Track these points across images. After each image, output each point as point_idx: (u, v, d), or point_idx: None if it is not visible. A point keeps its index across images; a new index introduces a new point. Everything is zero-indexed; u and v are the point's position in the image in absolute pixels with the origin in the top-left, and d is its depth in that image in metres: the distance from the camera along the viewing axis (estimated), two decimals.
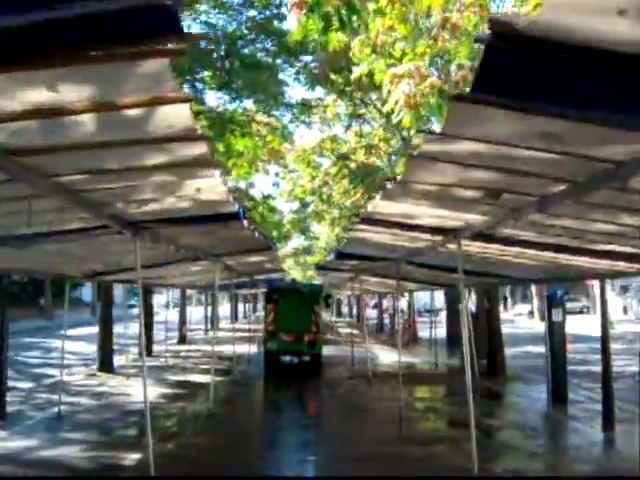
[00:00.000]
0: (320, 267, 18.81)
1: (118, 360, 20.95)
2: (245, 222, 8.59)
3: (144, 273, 13.29)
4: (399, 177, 5.44)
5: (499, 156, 4.34)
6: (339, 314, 62.27)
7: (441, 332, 27.95)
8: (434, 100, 8.80)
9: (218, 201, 6.39)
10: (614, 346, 25.75)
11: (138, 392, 15.40)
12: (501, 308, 46.76)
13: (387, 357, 23.83)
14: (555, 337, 14.40)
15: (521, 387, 16.97)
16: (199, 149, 4.38)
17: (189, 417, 12.65)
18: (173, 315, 49.82)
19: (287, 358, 21.93)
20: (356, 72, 10.84)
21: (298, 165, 23.20)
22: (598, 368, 20.26)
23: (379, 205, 6.79)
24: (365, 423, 12.30)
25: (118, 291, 63.13)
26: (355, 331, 38.90)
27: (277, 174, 31.67)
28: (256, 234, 9.98)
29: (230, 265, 15.48)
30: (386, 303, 43.97)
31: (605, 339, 12.73)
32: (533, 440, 11.28)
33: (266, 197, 37.70)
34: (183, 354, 24.76)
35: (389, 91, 9.51)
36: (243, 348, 22.86)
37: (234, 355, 18.60)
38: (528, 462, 9.82)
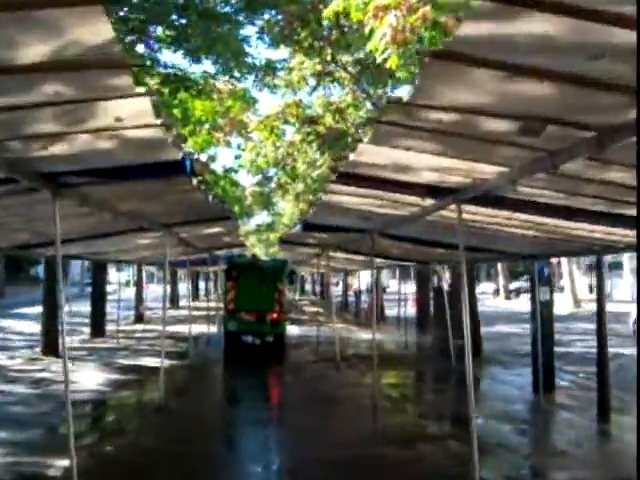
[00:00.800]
0: (284, 241, 17.07)
1: (67, 342, 19.17)
2: (194, 181, 6.89)
3: (82, 246, 11.55)
4: (406, 97, 3.79)
5: (580, 45, 2.72)
6: (302, 292, 60.75)
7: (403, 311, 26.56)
8: (427, 35, 7.15)
9: (151, 141, 4.67)
10: (585, 326, 24.73)
11: (83, 379, 13.68)
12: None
13: (354, 337, 22.35)
14: (543, 318, 12.98)
15: (501, 371, 15.58)
16: (101, 33, 2.68)
17: (135, 410, 10.95)
18: (133, 293, 47.79)
19: (249, 339, 20.32)
20: (329, 9, 9.12)
21: (261, 133, 21.36)
22: (577, 349, 19.22)
23: (365, 151, 5.16)
24: (336, 416, 10.69)
25: (74, 266, 61.29)
26: (319, 309, 37.44)
27: (239, 146, 29.82)
28: (210, 198, 8.25)
29: (184, 239, 13.75)
30: (350, 280, 42.78)
31: (600, 320, 11.32)
32: (525, 437, 9.86)
33: (228, 170, 35.87)
34: (138, 334, 22.92)
35: (372, 29, 7.85)
36: (202, 328, 21.17)
37: (190, 336, 16.88)
38: (525, 466, 8.39)
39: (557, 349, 17.72)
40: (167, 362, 15.70)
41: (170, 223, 10.41)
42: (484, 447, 8.63)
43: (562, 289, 45.41)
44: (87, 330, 22.10)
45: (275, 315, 18.92)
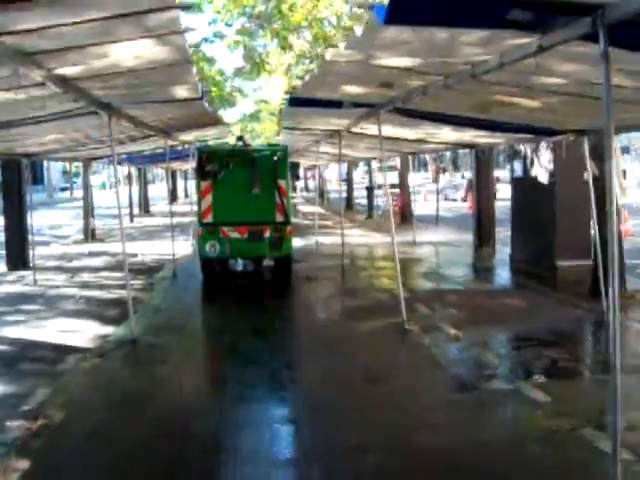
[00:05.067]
0: (296, 101, 8.59)
1: None
2: None
3: None
4: None
5: None
6: (293, 189, 52.84)
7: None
8: None
9: None
10: None
11: None
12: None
13: (388, 252, 15.02)
14: None
15: None
16: None
17: None
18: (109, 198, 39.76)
19: (238, 266, 12.96)
20: None
21: None
22: None
23: None
24: None
25: (54, 171, 52.92)
26: (320, 210, 29.90)
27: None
28: None
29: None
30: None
31: None
32: None
33: (199, 44, 27.34)
34: (76, 262, 15.23)
35: None
36: (175, 245, 13.55)
37: (127, 288, 8.69)
38: None
39: None
40: (90, 335, 8.24)
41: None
42: None
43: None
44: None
45: (276, 230, 11.64)
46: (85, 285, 11.82)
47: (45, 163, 47.06)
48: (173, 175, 38.96)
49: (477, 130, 9.09)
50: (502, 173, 55.78)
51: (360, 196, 32.74)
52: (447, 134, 10.40)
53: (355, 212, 28.93)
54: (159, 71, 5.50)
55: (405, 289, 10.20)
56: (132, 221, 25.58)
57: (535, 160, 12.01)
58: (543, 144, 11.43)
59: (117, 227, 23.46)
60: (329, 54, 5.83)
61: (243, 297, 10.73)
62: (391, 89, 6.46)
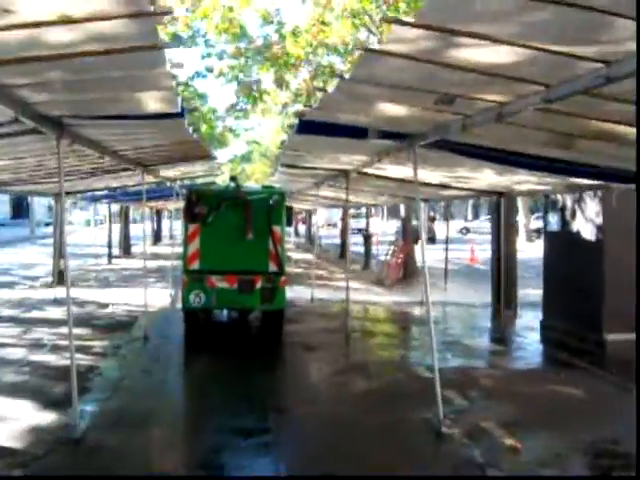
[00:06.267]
0: (308, 126, 6.32)
1: None
2: None
3: None
4: None
5: None
6: None
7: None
8: None
9: None
10: None
11: None
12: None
13: (388, 310, 13.10)
14: None
15: None
16: None
17: None
18: (93, 235, 37.55)
19: (223, 317, 11.13)
20: None
21: None
22: None
23: None
24: None
25: (39, 206, 50.61)
26: (310, 256, 27.92)
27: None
28: None
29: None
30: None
31: None
32: None
33: (191, 78, 25.64)
34: (36, 312, 12.93)
35: None
36: (152, 294, 11.38)
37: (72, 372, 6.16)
38: None
39: None
40: (22, 426, 6.02)
41: None
42: None
43: None
44: None
45: (269, 280, 10.06)
46: (38, 345, 9.63)
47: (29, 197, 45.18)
48: (159, 214, 36.99)
49: (531, 174, 7.17)
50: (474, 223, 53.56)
51: (353, 242, 30.78)
52: (485, 178, 8.49)
53: (350, 261, 26.86)
54: (114, 59, 3.52)
55: (425, 366, 8.19)
56: (110, 262, 23.44)
57: (578, 212, 10.12)
58: (590, 194, 9.59)
59: (93, 269, 21.66)
60: (381, 43, 3.88)
61: (227, 370, 8.54)
62: (449, 108, 4.54)
